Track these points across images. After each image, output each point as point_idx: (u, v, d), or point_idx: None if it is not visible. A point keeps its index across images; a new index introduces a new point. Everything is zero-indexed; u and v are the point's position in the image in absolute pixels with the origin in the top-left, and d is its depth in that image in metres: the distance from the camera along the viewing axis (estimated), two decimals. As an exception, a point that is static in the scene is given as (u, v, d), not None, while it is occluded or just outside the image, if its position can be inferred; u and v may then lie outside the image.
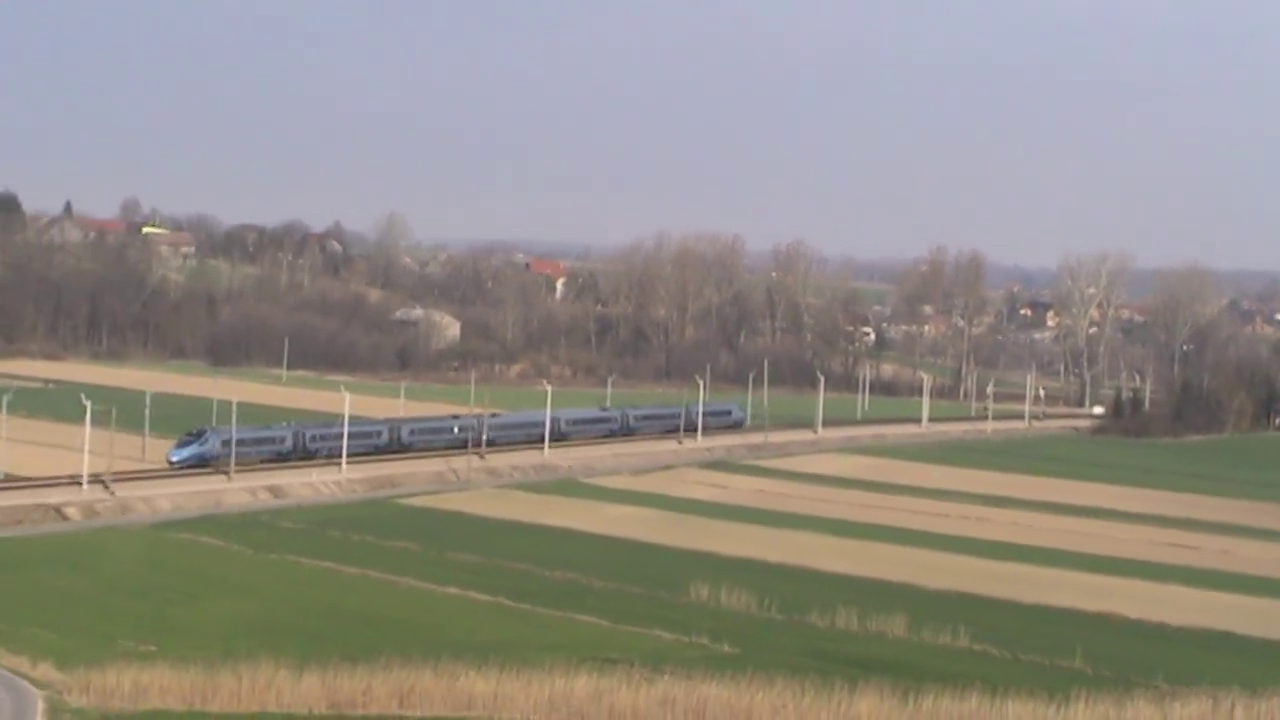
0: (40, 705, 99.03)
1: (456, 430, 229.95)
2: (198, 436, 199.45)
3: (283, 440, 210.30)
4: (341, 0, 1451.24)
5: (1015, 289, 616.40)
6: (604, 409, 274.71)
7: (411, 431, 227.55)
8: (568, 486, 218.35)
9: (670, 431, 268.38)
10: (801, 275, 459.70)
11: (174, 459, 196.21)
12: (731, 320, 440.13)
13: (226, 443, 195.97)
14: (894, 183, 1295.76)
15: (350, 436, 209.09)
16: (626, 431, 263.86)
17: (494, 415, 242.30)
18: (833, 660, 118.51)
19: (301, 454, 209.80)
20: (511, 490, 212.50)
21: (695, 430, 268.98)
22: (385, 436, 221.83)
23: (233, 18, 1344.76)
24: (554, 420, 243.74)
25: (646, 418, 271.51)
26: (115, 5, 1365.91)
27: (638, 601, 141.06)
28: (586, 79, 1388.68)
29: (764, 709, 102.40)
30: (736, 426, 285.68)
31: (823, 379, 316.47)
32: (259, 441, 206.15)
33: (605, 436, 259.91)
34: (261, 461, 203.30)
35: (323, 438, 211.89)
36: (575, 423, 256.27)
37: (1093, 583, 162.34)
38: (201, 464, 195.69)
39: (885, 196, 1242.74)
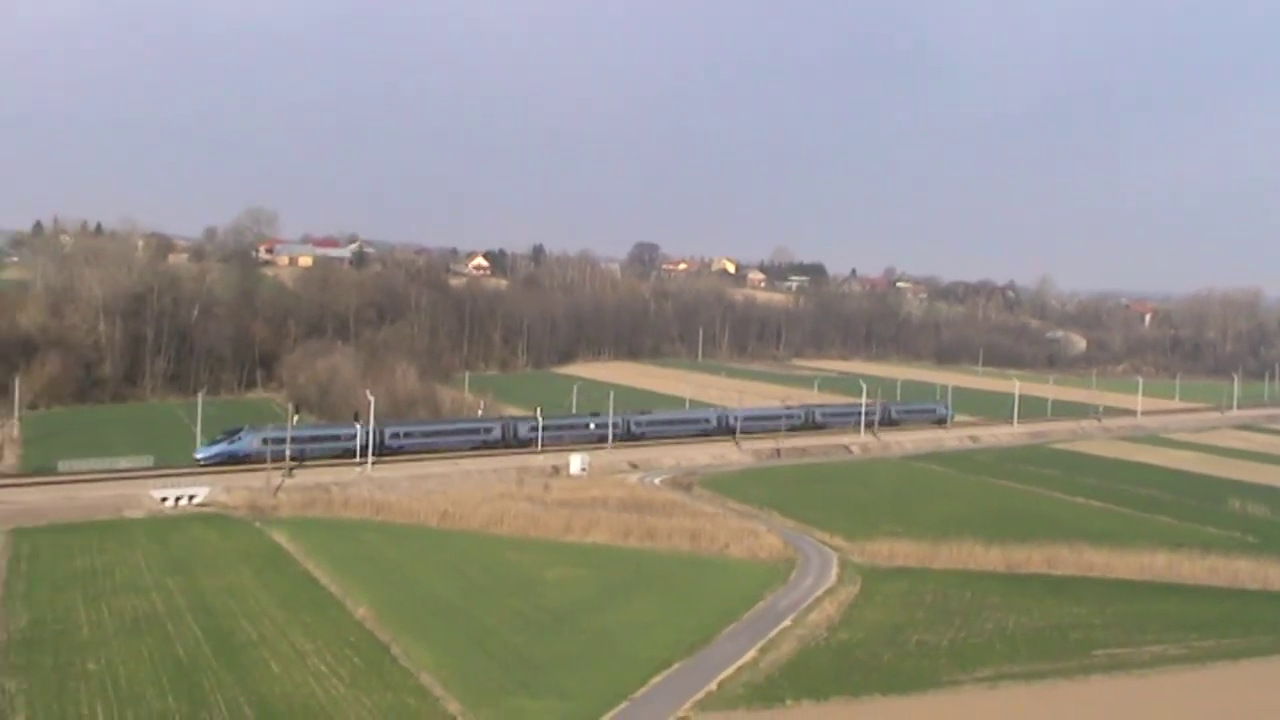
0: (835, 561, 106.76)
1: (592, 426, 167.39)
2: (230, 435, 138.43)
3: (349, 438, 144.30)
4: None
5: None
6: (788, 407, 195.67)
7: (530, 428, 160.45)
8: (1150, 439, 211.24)
9: (857, 427, 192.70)
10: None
11: (198, 456, 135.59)
12: (1254, 338, 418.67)
13: (266, 440, 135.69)
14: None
15: (460, 433, 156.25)
16: (814, 426, 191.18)
17: (643, 412, 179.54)
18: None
19: (378, 450, 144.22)
20: (1116, 440, 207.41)
21: (893, 424, 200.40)
22: (497, 433, 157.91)
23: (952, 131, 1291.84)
24: (724, 416, 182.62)
25: (834, 414, 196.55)
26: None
27: (1194, 509, 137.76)
28: (1182, 182, 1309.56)
29: (1275, 575, 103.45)
30: (941, 422, 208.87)
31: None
32: (315, 439, 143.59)
33: (788, 430, 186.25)
34: (331, 459, 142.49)
35: (407, 435, 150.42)
36: (753, 419, 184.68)
37: None
38: (233, 461, 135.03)
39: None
